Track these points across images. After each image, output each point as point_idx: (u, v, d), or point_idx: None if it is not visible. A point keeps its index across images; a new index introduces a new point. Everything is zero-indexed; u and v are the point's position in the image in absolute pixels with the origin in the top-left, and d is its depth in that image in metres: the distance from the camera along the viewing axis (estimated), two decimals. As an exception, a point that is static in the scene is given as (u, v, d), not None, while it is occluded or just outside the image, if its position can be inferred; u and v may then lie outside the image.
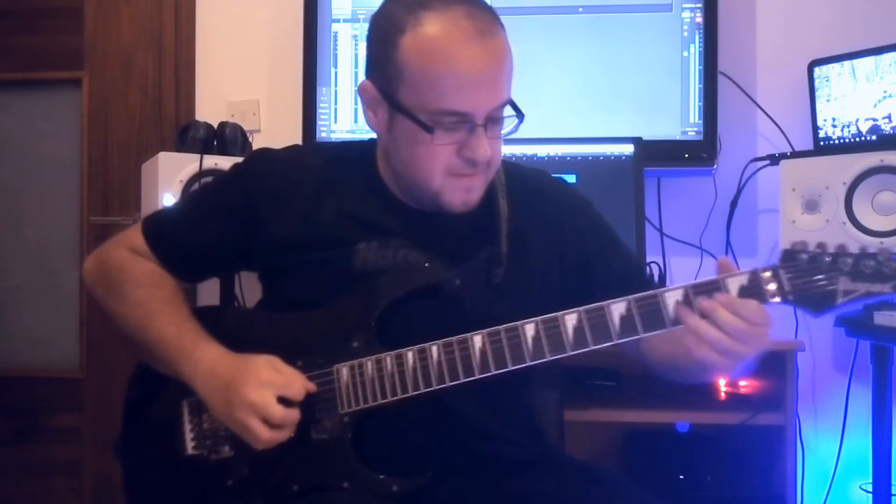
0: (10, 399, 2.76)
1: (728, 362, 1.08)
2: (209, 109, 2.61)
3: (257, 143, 2.47)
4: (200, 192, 1.43)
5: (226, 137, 2.25)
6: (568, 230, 1.30)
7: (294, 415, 1.15)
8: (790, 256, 1.08)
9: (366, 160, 1.29)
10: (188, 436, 1.23)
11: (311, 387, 1.17)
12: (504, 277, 1.21)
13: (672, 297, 1.10)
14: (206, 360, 1.19)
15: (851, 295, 1.06)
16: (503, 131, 1.20)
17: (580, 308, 1.12)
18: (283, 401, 1.14)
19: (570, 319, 1.12)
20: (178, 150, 2.19)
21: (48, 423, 2.75)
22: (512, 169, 1.31)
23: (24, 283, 2.82)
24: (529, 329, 1.12)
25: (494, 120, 1.16)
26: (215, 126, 2.27)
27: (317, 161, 1.30)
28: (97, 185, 2.71)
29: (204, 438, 1.22)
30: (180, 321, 1.25)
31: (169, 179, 2.08)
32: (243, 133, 2.30)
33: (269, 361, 1.17)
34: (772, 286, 1.07)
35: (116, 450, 1.35)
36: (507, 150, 2.17)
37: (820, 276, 1.07)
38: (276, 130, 2.58)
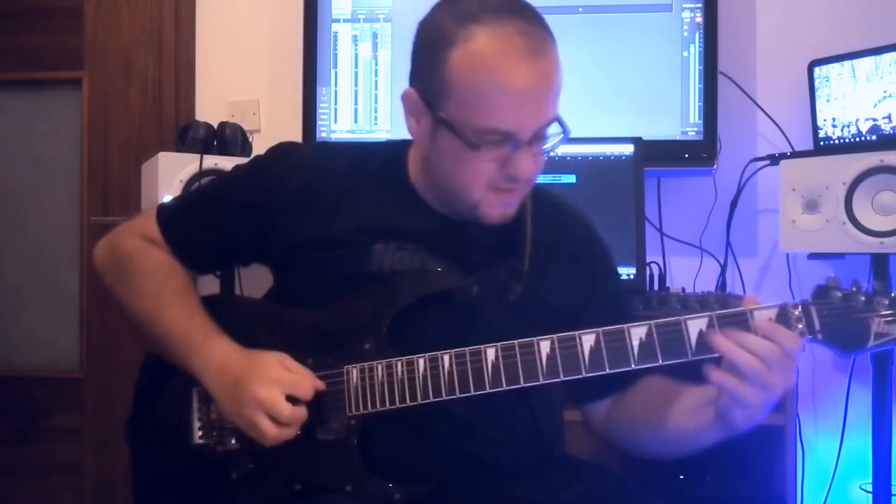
0: (10, 399, 2.76)
1: (758, 395, 1.04)
2: (209, 109, 2.61)
3: (257, 142, 2.46)
4: (218, 184, 1.41)
5: (226, 137, 2.25)
6: (586, 266, 1.30)
7: (302, 413, 1.14)
8: (823, 293, 1.06)
9: (395, 164, 1.27)
10: (195, 425, 1.23)
11: (321, 385, 1.16)
12: (522, 294, 1.20)
13: (696, 325, 1.07)
14: (215, 355, 1.19)
15: (884, 339, 1.03)
16: (547, 146, 1.17)
17: (599, 329, 1.10)
18: (292, 399, 1.13)
19: (588, 340, 1.10)
20: (178, 150, 2.19)
21: (48, 423, 2.75)
22: (538, 189, 1.29)
23: (24, 283, 2.82)
24: (545, 346, 1.11)
25: (539, 136, 1.15)
26: (215, 126, 2.27)
27: (342, 165, 1.28)
28: (97, 185, 2.71)
29: (211, 429, 1.22)
30: (190, 314, 1.24)
31: (169, 179, 2.08)
32: (243, 133, 2.30)
33: (280, 359, 1.16)
34: (801, 322, 1.05)
35: (126, 433, 1.35)
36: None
37: (852, 316, 1.04)
38: (276, 130, 2.58)
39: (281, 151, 1.32)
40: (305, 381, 1.14)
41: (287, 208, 1.24)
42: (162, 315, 1.24)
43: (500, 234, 1.22)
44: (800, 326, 1.05)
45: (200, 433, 1.23)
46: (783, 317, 1.06)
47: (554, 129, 1.17)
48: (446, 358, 1.13)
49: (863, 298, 1.04)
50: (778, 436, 1.94)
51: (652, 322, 1.08)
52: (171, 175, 2.08)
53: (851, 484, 2.30)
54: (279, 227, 1.24)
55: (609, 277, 1.35)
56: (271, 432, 1.12)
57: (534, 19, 1.12)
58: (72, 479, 2.72)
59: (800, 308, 1.06)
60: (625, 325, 1.09)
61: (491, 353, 1.12)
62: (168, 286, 1.27)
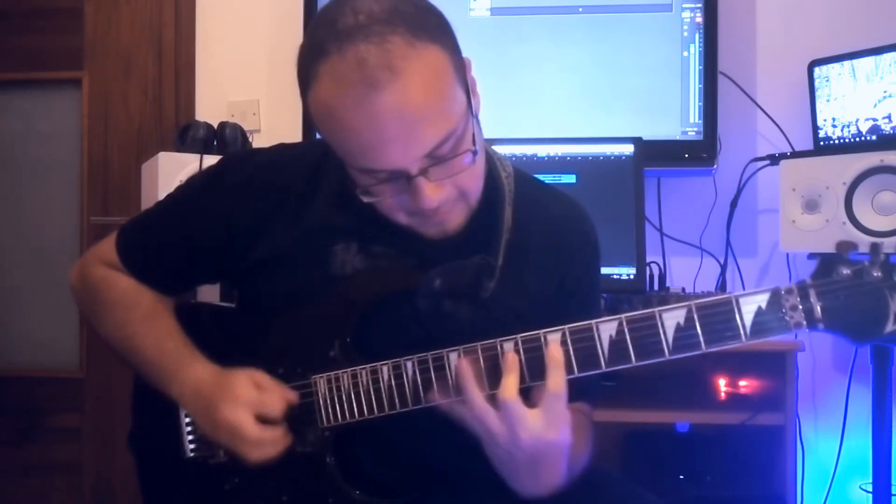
0: (10, 399, 2.76)
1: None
2: (209, 109, 2.62)
3: (257, 142, 2.47)
4: (174, 202, 1.28)
5: (226, 137, 2.25)
6: (569, 269, 1.19)
7: (273, 433, 1.10)
8: (827, 269, 0.89)
9: None
10: (186, 439, 1.22)
11: (293, 398, 1.12)
12: (494, 292, 1.11)
13: (672, 319, 0.95)
14: (189, 381, 1.16)
15: None
16: (454, 167, 1.01)
17: (565, 326, 0.99)
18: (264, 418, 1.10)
19: (554, 340, 0.99)
20: (178, 150, 2.20)
21: (48, 423, 2.75)
22: (526, 183, 1.20)
23: (24, 283, 2.82)
24: (508, 348, 1.01)
25: (437, 160, 0.99)
26: (215, 126, 2.27)
27: (303, 162, 1.20)
28: (97, 185, 2.71)
29: (201, 442, 1.21)
30: (161, 342, 1.20)
31: (169, 179, 2.08)
32: (243, 133, 2.30)
33: (250, 377, 1.12)
34: (796, 311, 0.89)
35: (129, 443, 1.35)
36: (507, 150, 2.18)
37: (865, 296, 0.86)
38: (276, 130, 2.58)
39: (234, 160, 1.25)
40: (273, 399, 1.10)
41: (251, 218, 1.17)
42: (133, 346, 1.22)
43: (475, 229, 1.12)
44: (795, 317, 0.90)
45: (192, 446, 1.22)
46: (774, 304, 0.91)
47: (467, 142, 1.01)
48: (409, 365, 1.06)
49: (878, 273, 0.86)
50: (778, 436, 1.94)
51: (623, 317, 0.96)
52: (171, 175, 2.09)
53: (851, 484, 2.30)
54: (244, 238, 1.17)
55: (584, 276, 1.22)
56: (250, 454, 1.10)
57: (382, 36, 0.94)
58: (72, 478, 2.72)
59: (795, 292, 0.90)
60: (592, 322, 0.97)
61: (454, 357, 1.03)
62: (134, 316, 1.23)
